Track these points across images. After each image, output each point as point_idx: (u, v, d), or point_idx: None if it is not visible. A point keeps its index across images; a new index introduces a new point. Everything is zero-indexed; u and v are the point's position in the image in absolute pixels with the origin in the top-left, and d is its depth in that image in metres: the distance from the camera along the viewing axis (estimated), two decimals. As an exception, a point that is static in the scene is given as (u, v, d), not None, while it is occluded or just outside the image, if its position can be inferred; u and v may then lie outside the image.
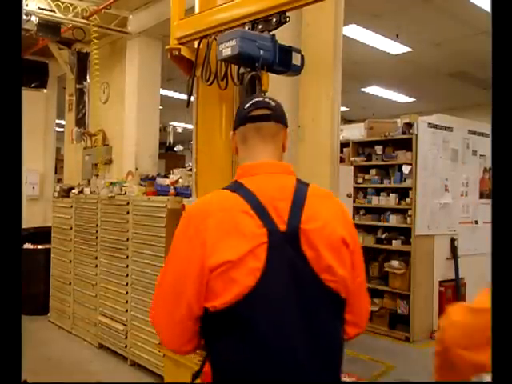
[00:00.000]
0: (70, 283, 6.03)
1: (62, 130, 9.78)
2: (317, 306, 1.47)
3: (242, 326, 1.41)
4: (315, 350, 1.45)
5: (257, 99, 1.67)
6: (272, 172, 1.59)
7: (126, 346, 4.93)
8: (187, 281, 1.44)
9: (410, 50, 8.30)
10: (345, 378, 4.70)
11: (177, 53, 3.98)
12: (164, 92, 9.85)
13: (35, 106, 8.59)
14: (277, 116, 1.64)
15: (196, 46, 3.91)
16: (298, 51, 3.41)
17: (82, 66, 7.42)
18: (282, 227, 1.45)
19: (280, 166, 1.63)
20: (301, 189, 1.54)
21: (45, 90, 8.69)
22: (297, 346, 1.42)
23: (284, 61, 3.28)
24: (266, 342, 1.40)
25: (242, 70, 3.31)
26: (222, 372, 1.46)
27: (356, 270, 1.57)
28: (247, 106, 1.63)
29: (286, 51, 3.31)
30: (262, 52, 3.09)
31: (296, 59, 3.34)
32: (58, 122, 9.69)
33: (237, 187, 1.52)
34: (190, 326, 1.49)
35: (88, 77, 7.41)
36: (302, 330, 1.44)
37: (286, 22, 3.24)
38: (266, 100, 1.66)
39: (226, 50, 3.10)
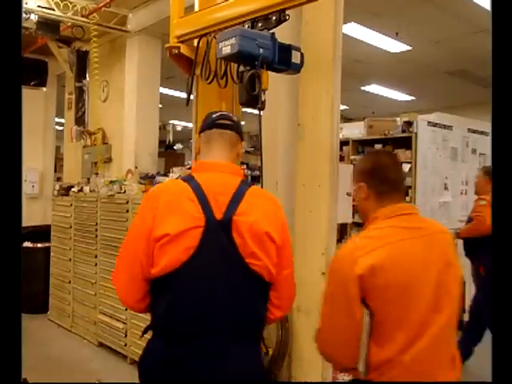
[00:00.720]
0: (70, 282, 6.03)
1: (61, 128, 9.77)
2: (241, 284, 1.80)
3: (173, 292, 1.77)
4: (236, 321, 1.79)
5: (222, 112, 2.08)
6: (221, 171, 1.93)
7: (125, 345, 4.93)
8: (140, 246, 1.80)
9: (410, 48, 8.29)
10: (344, 376, 4.70)
11: (176, 51, 3.98)
12: (163, 90, 9.84)
13: (35, 104, 8.58)
14: (237, 128, 2.03)
15: (195, 44, 3.91)
16: (298, 49, 3.41)
17: (81, 64, 7.41)
18: (219, 216, 1.79)
19: (229, 167, 1.97)
20: (242, 188, 1.88)
21: (44, 89, 8.67)
22: (218, 314, 1.76)
23: (284, 59, 3.28)
24: (191, 306, 1.77)
25: (241, 68, 3.30)
26: (154, 324, 1.86)
27: (283, 263, 1.90)
28: (215, 116, 2.03)
29: (286, 49, 3.31)
30: (261, 50, 3.10)
31: (296, 57, 3.34)
32: (57, 120, 9.68)
33: (189, 179, 1.88)
34: (142, 285, 1.84)
35: (87, 75, 7.40)
36: (225, 302, 1.77)
37: (285, 20, 3.24)
38: (230, 115, 2.07)
39: (226, 48, 3.10)
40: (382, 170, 1.96)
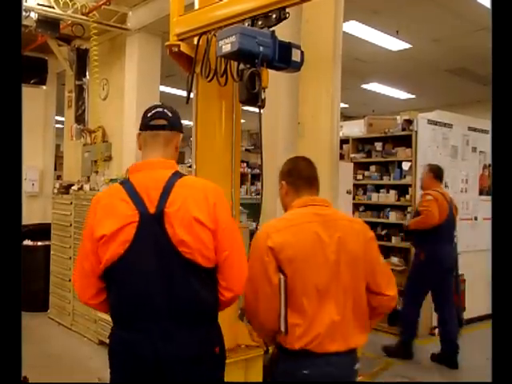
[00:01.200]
0: (70, 280, 6.03)
1: (61, 126, 9.77)
2: (175, 272, 1.92)
3: (116, 283, 1.97)
4: (173, 306, 1.92)
5: (157, 110, 2.11)
6: (152, 168, 2.05)
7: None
8: (88, 246, 1.99)
9: (410, 46, 8.29)
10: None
11: (176, 49, 3.97)
12: (163, 88, 9.83)
13: (35, 102, 8.57)
14: (171, 125, 2.13)
15: (195, 42, 3.90)
16: (298, 47, 3.41)
17: (81, 62, 7.41)
18: (152, 210, 1.93)
19: (160, 162, 2.07)
20: (171, 180, 1.99)
21: (44, 87, 8.67)
22: (155, 300, 1.91)
23: (284, 57, 3.27)
24: (130, 297, 1.94)
25: (241, 66, 3.30)
26: (111, 314, 2.04)
27: (221, 246, 1.98)
28: (149, 115, 2.10)
29: (286, 47, 3.30)
30: (261, 48, 3.09)
31: (296, 55, 3.34)
32: (57, 118, 9.67)
33: (124, 181, 2.05)
34: (94, 281, 2.00)
35: (87, 73, 7.40)
36: (161, 289, 1.92)
37: (285, 18, 3.23)
38: (165, 111, 2.12)
39: (226, 46, 3.09)
40: (297, 169, 2.40)
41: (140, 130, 2.14)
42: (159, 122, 2.10)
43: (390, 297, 2.26)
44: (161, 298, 1.92)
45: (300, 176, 2.38)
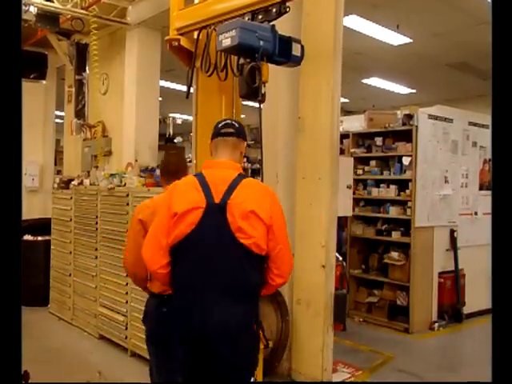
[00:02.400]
0: (70, 274, 6.04)
1: (61, 121, 9.76)
2: (231, 254, 2.31)
3: (180, 258, 2.36)
4: (225, 282, 2.30)
5: (226, 121, 2.63)
6: (222, 167, 2.51)
7: (126, 337, 4.95)
8: (165, 223, 2.38)
9: (411, 40, 8.26)
10: (343, 369, 4.73)
11: (176, 43, 3.96)
12: (163, 83, 9.81)
13: (34, 97, 8.55)
14: (238, 133, 2.58)
15: (195, 36, 3.89)
16: (298, 42, 3.40)
17: (81, 57, 7.39)
18: (217, 201, 2.34)
19: (229, 164, 2.52)
20: (236, 179, 2.41)
21: (44, 82, 8.64)
22: (211, 275, 2.29)
23: (284, 51, 3.26)
24: (191, 270, 2.34)
25: (241, 60, 3.29)
26: (172, 284, 2.43)
27: (276, 240, 2.37)
28: (220, 125, 2.60)
29: (286, 42, 3.29)
30: (261, 42, 3.08)
31: (296, 50, 3.33)
32: (57, 113, 9.66)
33: (198, 174, 2.50)
34: (165, 254, 2.38)
35: (87, 68, 7.37)
36: (216, 267, 2.30)
37: (286, 12, 3.22)
38: (233, 122, 2.62)
39: (226, 40, 3.08)
40: (167, 162, 3.29)
41: (212, 138, 2.61)
42: (228, 130, 2.57)
43: None
44: (215, 274, 2.29)
45: (167, 167, 3.20)
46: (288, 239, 2.48)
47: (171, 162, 3.27)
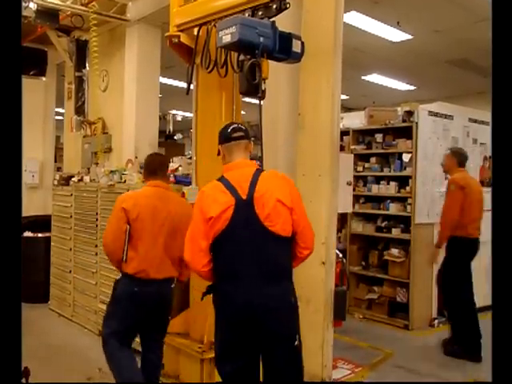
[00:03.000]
0: (71, 271, 6.04)
1: (61, 118, 9.75)
2: (262, 240, 2.64)
3: (220, 251, 2.67)
4: (261, 267, 2.62)
5: (233, 126, 2.89)
6: (241, 167, 2.82)
7: (126, 334, 4.95)
8: (201, 228, 2.68)
9: (411, 37, 8.25)
10: (343, 365, 4.73)
11: (176, 40, 3.96)
12: (163, 80, 9.80)
13: (34, 94, 8.55)
14: (247, 136, 2.88)
15: (196, 33, 3.89)
16: (299, 38, 3.39)
17: (81, 53, 7.38)
18: (244, 197, 2.66)
19: (246, 162, 2.86)
20: (256, 174, 2.73)
21: (44, 78, 8.63)
22: (248, 263, 2.63)
23: (284, 48, 3.26)
24: (231, 260, 2.65)
25: (241, 57, 3.29)
26: (215, 275, 2.72)
27: (299, 220, 2.73)
28: (230, 130, 2.86)
29: (286, 38, 3.29)
30: (262, 39, 3.08)
31: (296, 46, 3.33)
32: (57, 110, 9.65)
33: (220, 178, 2.78)
34: (206, 254, 2.69)
35: (87, 64, 7.37)
36: (251, 253, 2.63)
37: (286, 8, 3.22)
38: (240, 126, 2.89)
39: (226, 36, 3.08)
40: (148, 162, 3.75)
41: (222, 142, 2.88)
42: (239, 134, 2.85)
43: None
44: (251, 260, 2.62)
45: (148, 167, 3.72)
46: (307, 217, 2.82)
47: (150, 162, 3.73)
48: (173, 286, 3.58)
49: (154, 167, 3.66)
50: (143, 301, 3.47)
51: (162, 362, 3.82)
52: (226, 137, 2.86)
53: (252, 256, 2.63)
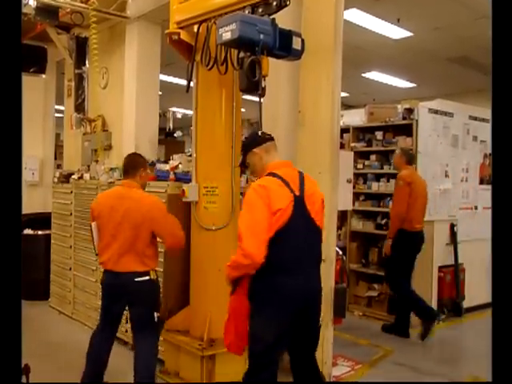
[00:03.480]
0: (71, 269, 6.05)
1: (61, 115, 9.74)
2: (312, 234, 2.99)
3: (280, 243, 2.82)
4: (312, 256, 3.01)
5: (259, 131, 3.16)
6: (286, 166, 3.08)
7: (126, 331, 4.95)
8: (266, 222, 2.79)
9: (412, 34, 8.24)
10: (343, 362, 4.74)
11: (176, 37, 3.96)
12: (163, 77, 9.79)
13: (34, 91, 8.53)
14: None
15: (195, 30, 3.88)
16: (299, 35, 3.39)
17: (80, 50, 7.36)
18: (297, 194, 2.91)
19: (288, 163, 3.15)
20: (300, 174, 3.04)
21: (44, 76, 8.62)
22: (303, 253, 2.92)
23: (284, 45, 3.25)
24: (294, 250, 2.88)
25: (241, 54, 3.28)
26: (268, 266, 2.80)
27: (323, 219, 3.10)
28: (260, 134, 3.13)
29: (287, 35, 3.28)
30: (262, 36, 3.07)
31: (296, 43, 3.32)
32: (57, 107, 9.64)
33: (274, 175, 2.94)
34: (266, 246, 2.78)
35: (87, 62, 7.35)
36: (306, 244, 2.94)
37: (286, 5, 3.21)
38: (266, 131, 3.18)
39: (226, 33, 3.08)
40: (123, 163, 3.91)
41: (259, 144, 3.07)
42: (269, 135, 3.12)
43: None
44: (305, 250, 2.92)
45: (124, 167, 3.87)
46: None
47: (124, 163, 3.90)
48: (141, 279, 3.64)
49: (126, 167, 3.83)
50: (111, 292, 3.85)
51: (152, 359, 3.80)
52: (261, 139, 3.09)
53: (308, 246, 2.94)
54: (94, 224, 3.78)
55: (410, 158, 5.73)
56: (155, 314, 3.73)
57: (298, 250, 2.89)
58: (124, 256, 3.64)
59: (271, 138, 3.10)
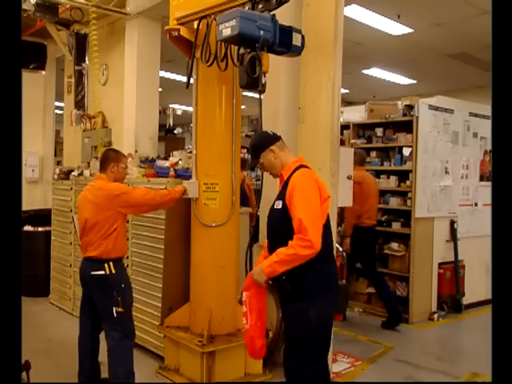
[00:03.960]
0: (71, 265, 6.05)
1: (61, 112, 9.74)
2: None
3: (327, 229, 2.95)
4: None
5: (271, 130, 3.25)
6: (304, 161, 3.13)
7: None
8: (319, 208, 2.86)
9: (412, 30, 8.22)
10: (343, 358, 4.75)
11: (176, 33, 3.95)
12: (163, 74, 9.78)
13: (34, 88, 8.53)
14: None
15: (195, 26, 3.87)
16: (299, 32, 3.38)
17: (80, 47, 7.36)
18: None
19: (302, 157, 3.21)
20: None
21: (43, 72, 8.61)
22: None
23: (284, 41, 3.25)
24: (331, 235, 3.06)
25: (241, 50, 3.27)
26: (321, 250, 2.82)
27: None
28: (271, 133, 3.17)
29: (287, 31, 3.27)
30: (262, 32, 3.07)
31: (296, 40, 3.32)
32: (57, 104, 9.64)
33: (306, 166, 3.03)
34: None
35: (87, 58, 7.35)
36: None
37: (286, 1, 3.20)
38: (266, 128, 3.29)
39: (226, 30, 3.07)
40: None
41: (274, 141, 3.09)
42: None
43: None
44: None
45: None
46: None
47: (99, 158, 4.12)
48: (101, 272, 3.66)
49: (100, 162, 4.01)
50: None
51: (111, 352, 3.81)
52: (275, 136, 3.14)
53: None
54: (75, 216, 4.11)
55: (361, 159, 6.11)
56: (114, 309, 3.67)
57: (331, 240, 3.05)
58: (87, 244, 3.76)
59: (280, 137, 3.17)
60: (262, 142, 3.12)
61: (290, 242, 2.78)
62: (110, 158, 3.92)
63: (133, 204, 3.80)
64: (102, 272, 3.66)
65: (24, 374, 3.98)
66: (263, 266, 2.85)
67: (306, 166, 3.02)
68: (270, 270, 2.81)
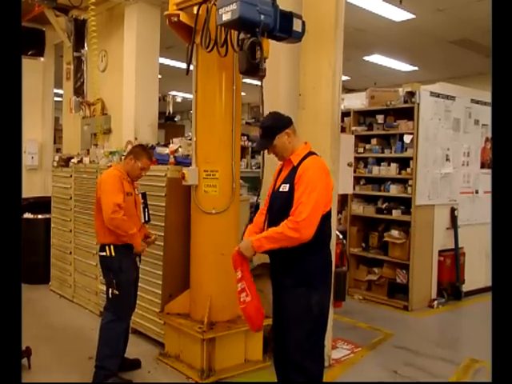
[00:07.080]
0: (71, 252, 6.06)
1: (60, 99, 9.69)
2: None
3: (329, 217, 2.99)
4: None
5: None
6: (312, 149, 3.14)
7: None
8: (324, 196, 2.88)
9: (414, 16, 8.15)
10: (343, 345, 4.77)
11: (176, 19, 3.91)
12: (163, 60, 9.71)
13: (33, 74, 8.46)
14: None
15: (195, 11, 3.84)
16: (299, 17, 3.35)
17: (79, 33, 7.30)
18: None
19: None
20: None
21: (42, 59, 8.55)
22: None
23: (285, 27, 3.22)
24: (331, 223, 3.09)
25: (241, 36, 3.25)
26: (322, 239, 2.97)
27: None
28: (285, 115, 3.13)
29: (287, 17, 3.25)
30: (262, 17, 3.04)
31: (297, 25, 3.29)
32: (56, 91, 9.59)
33: (315, 153, 3.05)
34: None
35: (86, 44, 7.29)
36: None
37: (287, -14, 3.16)
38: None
39: (226, 14, 3.04)
40: None
41: (289, 125, 3.07)
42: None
43: None
44: None
45: None
46: None
47: None
48: (101, 253, 3.89)
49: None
50: None
51: (102, 339, 3.88)
52: (290, 119, 3.12)
53: None
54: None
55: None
56: (110, 290, 3.84)
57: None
58: (96, 230, 3.97)
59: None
60: (278, 124, 3.06)
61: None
62: (132, 152, 4.02)
63: (102, 204, 3.83)
64: (104, 253, 3.87)
65: (25, 360, 4.01)
66: (253, 239, 2.90)
67: (315, 153, 3.04)
68: (258, 245, 2.86)
